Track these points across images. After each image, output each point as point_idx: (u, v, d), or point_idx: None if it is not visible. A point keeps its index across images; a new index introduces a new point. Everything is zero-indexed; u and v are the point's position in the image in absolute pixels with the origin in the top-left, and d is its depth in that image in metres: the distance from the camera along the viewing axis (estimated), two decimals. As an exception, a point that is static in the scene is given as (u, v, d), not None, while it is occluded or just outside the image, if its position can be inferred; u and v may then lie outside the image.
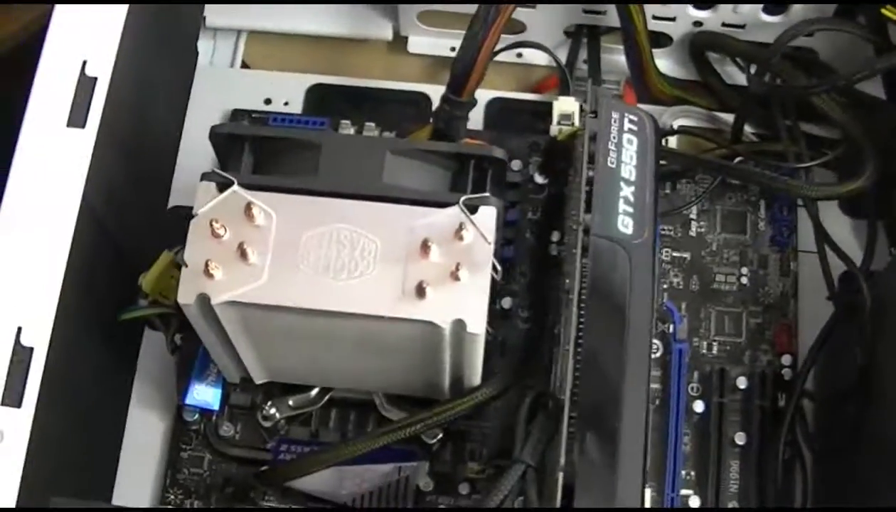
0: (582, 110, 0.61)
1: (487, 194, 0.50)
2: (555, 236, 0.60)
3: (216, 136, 0.53)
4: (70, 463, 0.53)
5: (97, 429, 0.59)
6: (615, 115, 0.55)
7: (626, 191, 0.53)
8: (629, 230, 0.52)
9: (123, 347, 0.61)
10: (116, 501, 0.59)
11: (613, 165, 0.54)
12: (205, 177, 0.50)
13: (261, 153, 0.53)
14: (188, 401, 0.57)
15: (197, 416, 0.58)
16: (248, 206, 0.49)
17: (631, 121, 0.55)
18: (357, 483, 0.56)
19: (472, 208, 0.49)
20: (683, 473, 0.58)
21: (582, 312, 0.50)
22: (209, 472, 0.59)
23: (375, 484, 0.56)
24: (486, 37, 0.56)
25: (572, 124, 0.62)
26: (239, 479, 0.59)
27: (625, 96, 0.67)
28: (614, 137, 0.54)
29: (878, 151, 0.59)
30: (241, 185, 0.50)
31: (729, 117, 0.65)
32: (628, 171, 0.54)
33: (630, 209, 0.53)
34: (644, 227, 0.53)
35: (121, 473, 0.60)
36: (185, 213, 0.50)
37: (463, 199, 0.49)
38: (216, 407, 0.58)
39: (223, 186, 0.50)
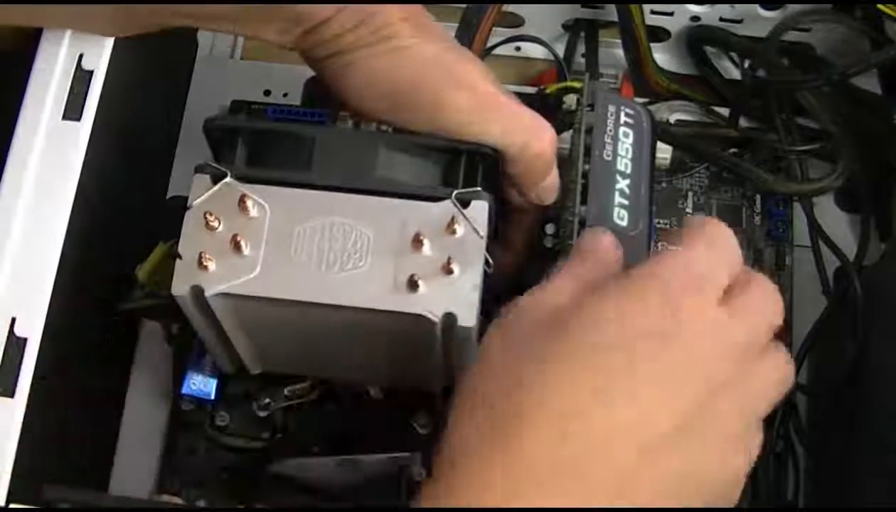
0: (578, 103, 0.61)
1: (479, 189, 0.50)
2: (549, 229, 0.60)
3: (210, 128, 0.53)
4: (66, 452, 0.54)
5: (94, 418, 0.59)
6: (612, 109, 0.55)
7: (622, 183, 0.53)
8: (624, 222, 0.52)
9: (120, 338, 0.61)
10: (113, 488, 0.60)
11: (609, 158, 0.54)
12: (199, 169, 0.50)
13: (255, 145, 0.53)
14: (185, 390, 0.57)
15: (194, 405, 0.59)
16: (242, 199, 0.49)
17: (627, 114, 0.55)
18: (351, 473, 0.56)
19: (465, 202, 0.49)
20: (676, 465, 0.58)
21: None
22: (205, 460, 0.59)
23: (369, 474, 0.56)
24: (478, 30, 0.56)
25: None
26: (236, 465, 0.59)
27: (622, 90, 0.67)
28: (610, 130, 0.54)
29: (856, 149, 0.59)
30: (235, 177, 0.50)
31: (726, 112, 0.65)
32: (624, 164, 0.54)
33: (625, 201, 0.53)
34: (639, 220, 0.53)
35: (118, 462, 0.61)
36: (183, 203, 0.50)
37: (455, 193, 0.50)
38: (213, 397, 0.58)
39: (217, 178, 0.50)
